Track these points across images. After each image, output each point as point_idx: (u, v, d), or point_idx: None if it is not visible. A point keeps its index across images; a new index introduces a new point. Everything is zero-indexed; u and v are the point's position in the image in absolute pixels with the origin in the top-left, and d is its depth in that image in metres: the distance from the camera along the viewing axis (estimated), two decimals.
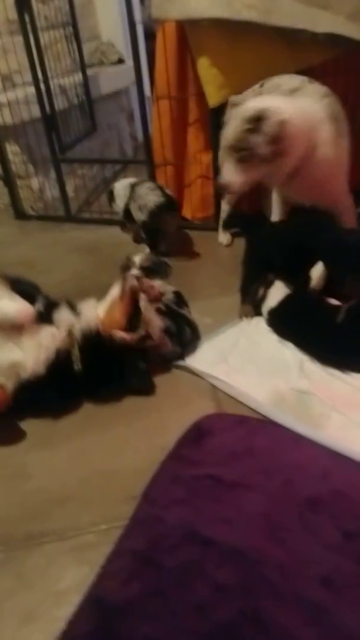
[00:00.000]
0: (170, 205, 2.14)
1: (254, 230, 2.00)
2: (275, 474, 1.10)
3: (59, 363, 1.35)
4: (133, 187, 2.22)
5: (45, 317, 1.43)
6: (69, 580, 0.96)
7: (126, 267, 1.62)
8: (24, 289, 1.46)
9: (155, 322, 1.48)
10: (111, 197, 2.32)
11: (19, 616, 0.91)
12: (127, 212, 2.24)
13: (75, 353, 1.38)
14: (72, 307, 1.49)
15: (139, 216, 2.16)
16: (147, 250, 2.14)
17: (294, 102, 1.63)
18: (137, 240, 2.35)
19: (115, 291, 1.50)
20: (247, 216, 2.24)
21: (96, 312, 1.47)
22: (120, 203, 2.27)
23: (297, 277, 1.63)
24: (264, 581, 0.90)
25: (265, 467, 1.12)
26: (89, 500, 1.12)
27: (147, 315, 1.49)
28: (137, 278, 1.51)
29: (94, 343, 1.40)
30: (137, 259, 1.75)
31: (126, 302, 1.47)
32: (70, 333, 1.40)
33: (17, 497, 1.14)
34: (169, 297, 1.61)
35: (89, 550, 1.01)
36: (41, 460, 1.24)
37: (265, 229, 1.95)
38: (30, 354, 1.34)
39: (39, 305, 1.44)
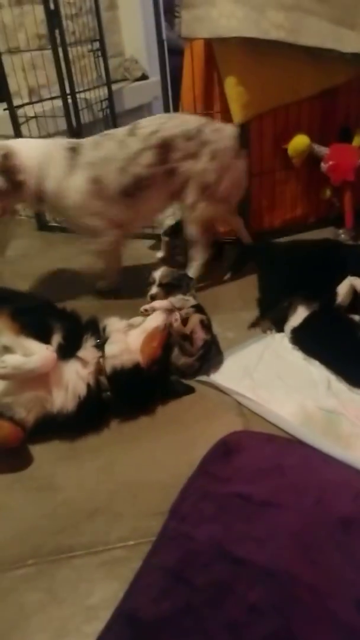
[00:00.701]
0: None
1: (264, 256, 2.02)
2: (306, 493, 1.09)
3: (87, 396, 1.33)
4: None
5: (66, 348, 1.34)
6: (99, 595, 0.96)
7: (149, 284, 1.66)
8: (37, 322, 1.36)
9: (199, 335, 1.51)
10: None
11: (50, 631, 0.91)
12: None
13: (104, 382, 1.36)
14: (96, 327, 1.44)
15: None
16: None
17: (32, 142, 1.89)
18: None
19: (150, 324, 1.48)
20: (251, 247, 2.23)
21: (124, 339, 1.43)
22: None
23: (322, 295, 1.63)
24: (296, 602, 0.90)
25: (295, 486, 1.11)
26: (117, 514, 1.12)
27: (192, 326, 1.52)
28: (169, 310, 1.51)
29: (124, 374, 1.36)
30: (158, 275, 1.76)
31: (164, 334, 1.46)
32: (98, 365, 1.36)
33: (47, 509, 1.15)
34: (190, 305, 1.61)
35: (118, 565, 1.01)
36: (69, 472, 1.25)
37: (280, 251, 1.97)
38: (56, 391, 1.30)
39: (58, 338, 1.35)
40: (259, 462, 1.18)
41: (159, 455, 1.28)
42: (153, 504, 1.13)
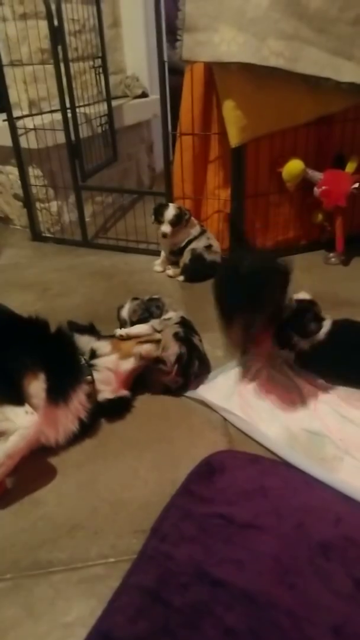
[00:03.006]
0: None
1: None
2: (287, 516, 1.09)
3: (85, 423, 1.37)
4: None
5: (54, 388, 1.30)
6: (76, 612, 0.95)
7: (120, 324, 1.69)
8: (9, 380, 1.25)
9: (172, 350, 1.49)
10: None
11: None
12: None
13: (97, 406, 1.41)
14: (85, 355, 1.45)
15: None
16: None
17: None
18: None
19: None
20: None
21: (110, 372, 1.45)
22: None
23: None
24: (274, 627, 0.89)
25: (276, 509, 1.11)
26: (97, 530, 1.12)
27: (165, 341, 1.51)
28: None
29: (111, 403, 1.44)
30: (126, 313, 1.72)
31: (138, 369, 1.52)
32: (90, 390, 1.39)
33: (26, 523, 1.14)
34: (173, 322, 1.61)
35: (97, 582, 1.00)
36: (51, 487, 1.24)
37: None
38: (50, 431, 1.29)
39: (42, 384, 1.28)
40: (241, 484, 1.18)
41: (142, 472, 1.27)
42: (134, 522, 1.13)
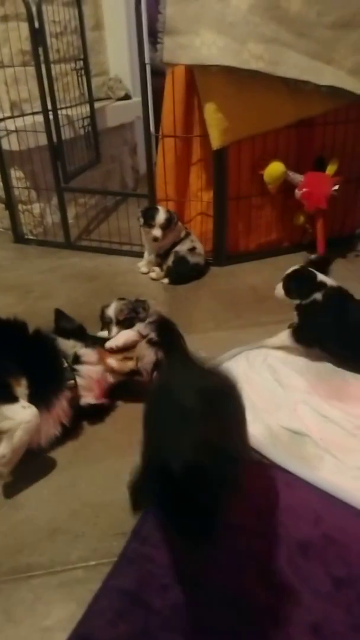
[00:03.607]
0: None
1: None
2: (267, 515, 1.10)
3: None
4: None
5: (36, 394, 1.30)
6: (55, 616, 0.94)
7: (104, 323, 1.67)
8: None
9: (148, 358, 1.47)
10: None
11: None
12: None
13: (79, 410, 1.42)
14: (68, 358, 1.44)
15: None
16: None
17: None
18: None
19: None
20: None
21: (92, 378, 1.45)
22: None
23: None
24: (254, 626, 0.90)
25: (257, 509, 1.12)
26: (78, 533, 1.11)
27: (140, 351, 1.49)
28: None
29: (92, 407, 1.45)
30: (112, 312, 1.68)
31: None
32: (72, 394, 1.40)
33: (6, 527, 1.13)
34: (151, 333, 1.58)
35: (77, 586, 1.00)
36: (31, 490, 1.23)
37: None
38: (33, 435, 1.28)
39: (24, 390, 1.28)
40: None
41: (124, 476, 1.23)
42: (115, 525, 1.12)
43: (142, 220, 2.28)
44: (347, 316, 1.59)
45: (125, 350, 1.50)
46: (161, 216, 2.23)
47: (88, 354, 1.47)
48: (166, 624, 0.91)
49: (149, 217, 2.25)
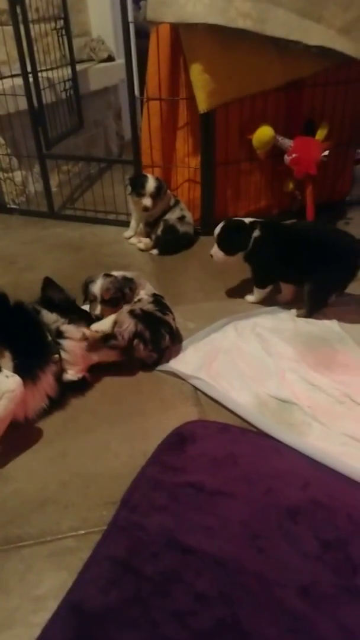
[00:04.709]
0: None
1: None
2: (257, 482, 1.11)
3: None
4: None
5: (21, 365, 1.29)
6: (47, 585, 0.95)
7: (88, 299, 1.63)
8: None
9: (125, 325, 1.46)
10: None
11: None
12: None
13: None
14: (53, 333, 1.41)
15: None
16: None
17: None
18: None
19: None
20: None
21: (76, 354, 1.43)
22: None
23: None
24: (243, 590, 0.91)
25: (246, 476, 1.12)
26: (68, 504, 1.11)
27: (119, 317, 1.48)
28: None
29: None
30: (97, 290, 1.60)
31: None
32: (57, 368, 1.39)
33: None
34: (146, 301, 1.59)
35: (67, 555, 1.00)
36: (21, 462, 1.22)
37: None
38: (20, 408, 1.29)
39: (8, 362, 1.28)
40: (212, 452, 1.19)
41: (113, 446, 1.27)
42: (105, 494, 1.12)
43: (129, 188, 2.22)
44: (285, 239, 1.72)
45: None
46: (151, 184, 2.17)
47: (72, 330, 1.43)
48: (157, 590, 0.91)
49: (138, 186, 2.18)
